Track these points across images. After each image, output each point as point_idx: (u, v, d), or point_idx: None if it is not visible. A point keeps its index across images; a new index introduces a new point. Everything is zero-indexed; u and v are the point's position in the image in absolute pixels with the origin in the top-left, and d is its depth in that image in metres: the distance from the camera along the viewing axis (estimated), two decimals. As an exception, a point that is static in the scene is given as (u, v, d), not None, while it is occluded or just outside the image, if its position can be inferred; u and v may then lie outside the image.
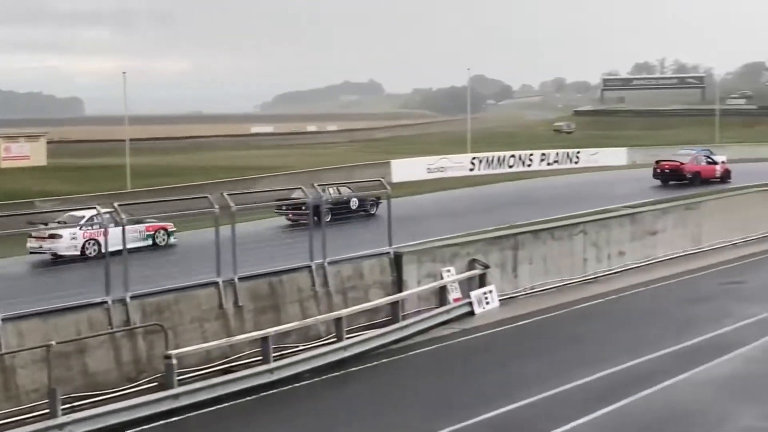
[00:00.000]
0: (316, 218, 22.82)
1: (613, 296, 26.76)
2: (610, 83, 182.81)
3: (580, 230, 28.76)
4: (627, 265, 30.01)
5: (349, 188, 33.90)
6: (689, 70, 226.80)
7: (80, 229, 25.75)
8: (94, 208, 21.99)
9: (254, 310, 20.72)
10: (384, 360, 20.55)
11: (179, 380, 17.69)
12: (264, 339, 19.31)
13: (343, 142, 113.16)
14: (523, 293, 26.67)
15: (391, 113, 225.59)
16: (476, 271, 25.34)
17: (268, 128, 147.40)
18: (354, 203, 33.59)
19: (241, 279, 20.47)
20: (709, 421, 15.50)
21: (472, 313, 24.62)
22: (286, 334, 20.53)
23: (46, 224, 25.44)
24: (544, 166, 60.90)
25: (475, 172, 57.26)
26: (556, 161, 62.74)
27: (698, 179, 44.19)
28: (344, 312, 21.59)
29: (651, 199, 36.52)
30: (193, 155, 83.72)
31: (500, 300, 25.49)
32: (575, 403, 16.44)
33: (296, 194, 26.64)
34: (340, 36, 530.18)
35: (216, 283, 20.15)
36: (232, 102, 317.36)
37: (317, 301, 22.05)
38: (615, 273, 29.39)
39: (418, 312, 23.61)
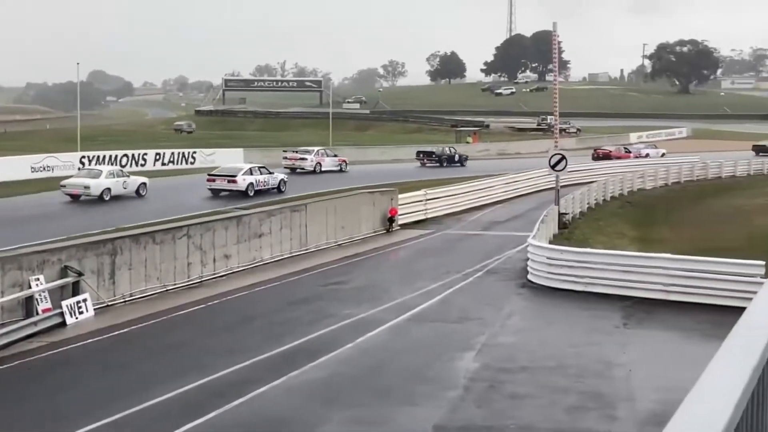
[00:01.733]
0: None
1: (217, 301, 26.13)
2: (231, 84, 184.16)
3: (183, 234, 27.85)
4: (233, 268, 29.59)
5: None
6: (309, 74, 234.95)
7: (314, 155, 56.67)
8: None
9: None
10: (-47, 382, 18.30)
11: None
12: None
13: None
14: (122, 301, 25.25)
15: (3, 108, 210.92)
16: (68, 279, 23.54)
17: None
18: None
19: None
20: (295, 430, 15.23)
21: (63, 324, 22.82)
22: None
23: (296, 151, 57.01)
24: (159, 166, 59.43)
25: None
26: (171, 161, 61.48)
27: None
28: None
29: (258, 202, 36.65)
30: None
31: (96, 309, 23.90)
32: (158, 419, 15.47)
33: None
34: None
35: None
36: None
37: None
38: (221, 277, 28.87)
39: (2, 325, 21.42)
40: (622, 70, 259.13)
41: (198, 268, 28.15)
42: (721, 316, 20.30)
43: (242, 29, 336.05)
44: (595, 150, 77.59)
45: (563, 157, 37.39)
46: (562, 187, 46.19)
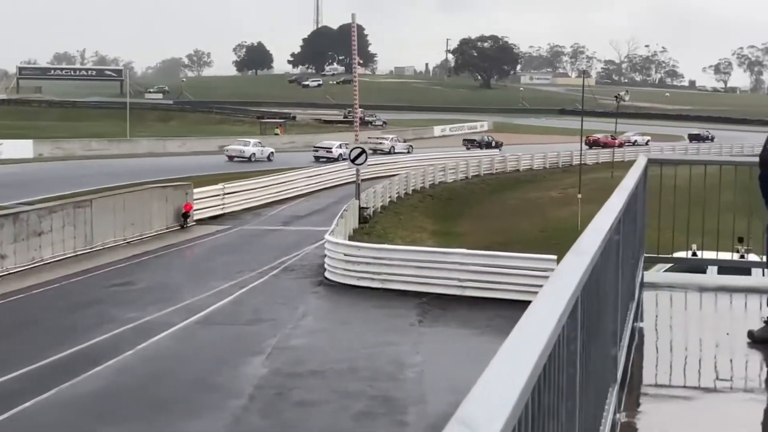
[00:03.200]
0: None
1: (-12, 306, 23.99)
2: (26, 72, 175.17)
3: (-50, 233, 25.45)
4: (8, 269, 27.30)
5: None
6: (110, 62, 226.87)
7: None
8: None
9: None
10: None
11: None
12: None
13: None
14: None
15: None
16: None
17: None
18: None
19: None
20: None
21: None
22: None
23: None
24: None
25: None
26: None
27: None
28: None
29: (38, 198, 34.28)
30: None
31: None
32: None
33: None
34: None
35: None
36: None
37: None
38: (-6, 279, 26.59)
39: None
40: (427, 65, 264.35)
41: (-32, 270, 25.82)
42: (514, 311, 19.93)
43: (40, 15, 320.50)
44: (587, 137, 77.53)
45: (363, 151, 36.94)
46: (365, 180, 45.94)
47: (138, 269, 29.14)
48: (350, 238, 33.08)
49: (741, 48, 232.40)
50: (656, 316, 8.10)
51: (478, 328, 21.68)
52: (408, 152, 72.07)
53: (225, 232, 36.04)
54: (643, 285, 9.37)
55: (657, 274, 10.48)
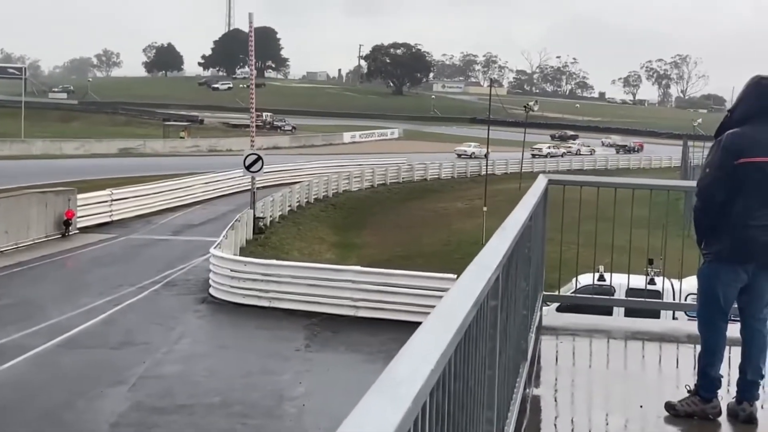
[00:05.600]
0: None
1: None
2: None
3: None
4: None
5: None
6: (16, 60, 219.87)
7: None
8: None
9: None
10: None
11: None
12: None
13: None
14: None
15: None
16: None
17: None
18: None
19: None
20: None
21: None
22: None
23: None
24: None
25: None
26: None
27: None
28: None
29: None
30: None
31: None
32: None
33: None
34: None
35: None
36: None
37: None
38: None
39: None
40: (339, 70, 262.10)
41: None
42: (410, 334, 18.59)
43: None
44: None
45: (259, 158, 34.89)
46: (267, 187, 43.99)
47: (5, 283, 26.62)
48: (242, 250, 31.14)
49: (650, 61, 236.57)
50: (555, 380, 6.62)
51: (369, 354, 19.98)
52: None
53: (109, 242, 33.62)
54: (540, 329, 7.93)
55: (557, 316, 8.93)
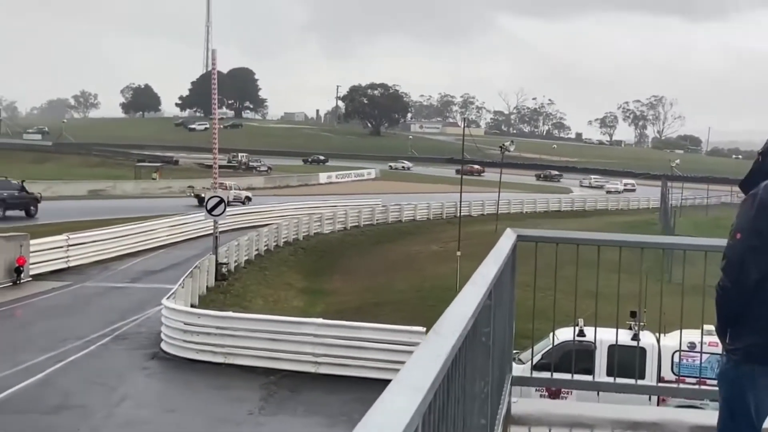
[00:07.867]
0: None
1: None
2: None
3: None
4: None
5: None
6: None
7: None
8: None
9: None
10: None
11: None
12: None
13: None
14: None
15: None
16: None
17: None
18: None
19: None
20: None
21: None
22: None
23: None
24: None
25: None
26: None
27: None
28: None
29: None
30: None
31: None
32: None
33: None
34: None
35: None
36: None
37: None
38: None
39: None
40: (317, 111, 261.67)
41: None
42: (375, 394, 16.84)
43: None
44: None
45: (222, 200, 33.20)
46: (235, 230, 42.43)
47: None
48: (202, 299, 29.39)
49: (626, 102, 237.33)
50: None
51: (330, 417, 18.26)
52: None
53: (62, 290, 31.72)
54: (509, 419, 6.39)
55: (529, 402, 7.28)
